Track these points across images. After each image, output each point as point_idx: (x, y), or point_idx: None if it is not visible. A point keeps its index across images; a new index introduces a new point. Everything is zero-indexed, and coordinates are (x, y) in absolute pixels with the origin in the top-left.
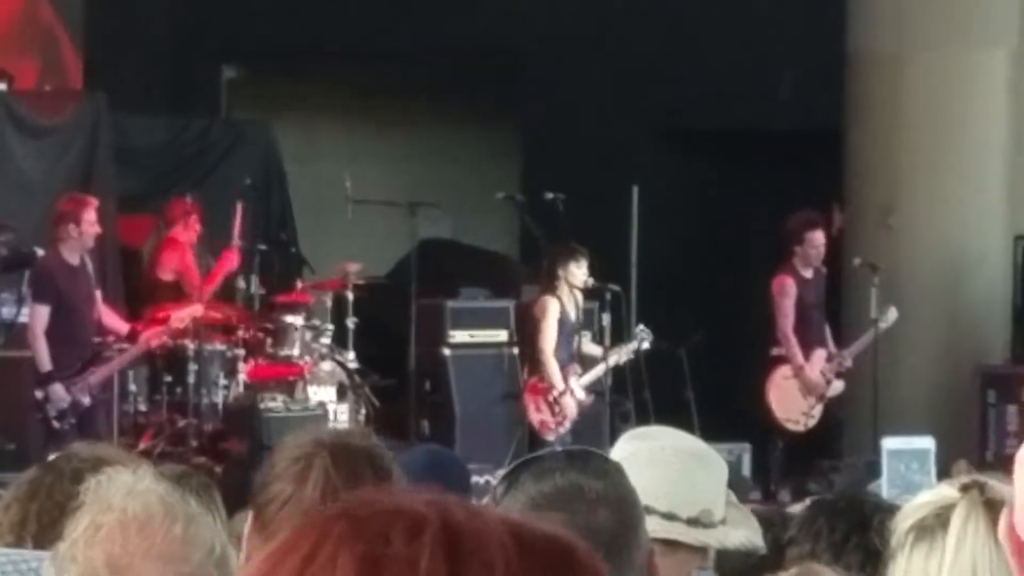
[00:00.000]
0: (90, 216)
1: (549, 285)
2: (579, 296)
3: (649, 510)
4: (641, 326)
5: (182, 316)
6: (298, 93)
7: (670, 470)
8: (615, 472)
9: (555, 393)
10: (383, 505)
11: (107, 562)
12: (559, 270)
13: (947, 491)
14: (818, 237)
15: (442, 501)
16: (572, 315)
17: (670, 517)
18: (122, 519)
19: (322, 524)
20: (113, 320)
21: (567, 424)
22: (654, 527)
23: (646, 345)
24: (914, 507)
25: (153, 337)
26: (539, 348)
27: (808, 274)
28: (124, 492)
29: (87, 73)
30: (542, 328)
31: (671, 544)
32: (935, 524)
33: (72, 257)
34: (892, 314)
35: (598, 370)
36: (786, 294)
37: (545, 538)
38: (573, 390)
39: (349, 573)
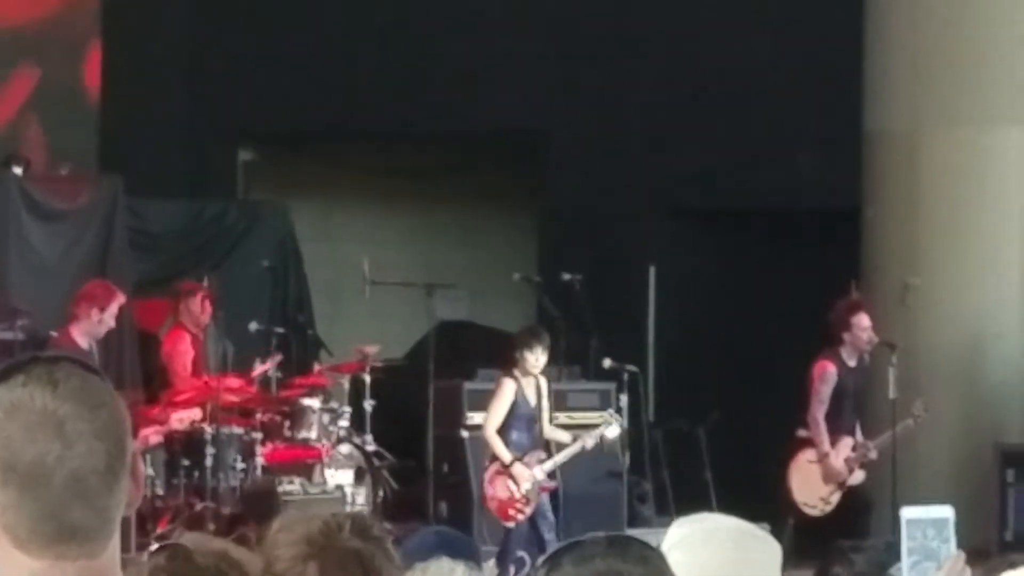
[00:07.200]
0: (114, 309)
1: (508, 367)
2: (542, 381)
3: None
4: (611, 411)
5: (182, 417)
6: (314, 174)
7: (724, 550)
8: (656, 559)
9: (507, 464)
10: None
11: None
12: (516, 353)
13: None
14: (863, 320)
15: None
16: (532, 401)
17: None
18: None
19: None
20: None
21: (528, 509)
22: None
23: (614, 430)
24: None
25: (150, 435)
26: (483, 425)
27: (852, 362)
28: None
29: (103, 156)
30: (489, 407)
31: None
32: None
33: (83, 341)
34: (919, 407)
35: (567, 452)
36: (825, 381)
37: None
38: (534, 473)
39: None
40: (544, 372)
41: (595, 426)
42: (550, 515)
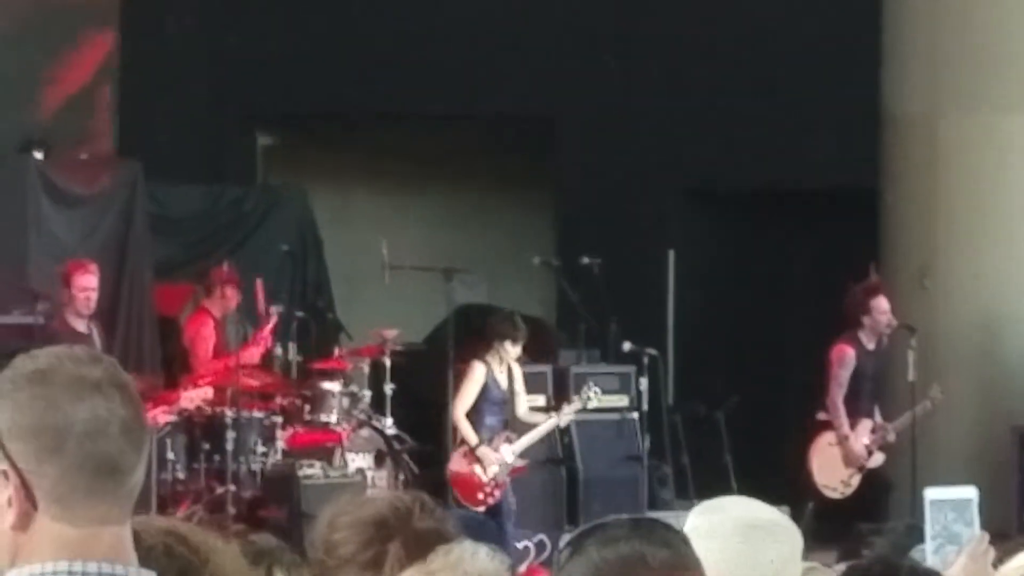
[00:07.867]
0: (82, 281)
1: (480, 351)
2: (515, 366)
3: None
4: (590, 383)
5: (192, 396)
6: (333, 159)
7: (730, 544)
8: (680, 542)
9: (472, 447)
10: None
11: None
12: (495, 341)
13: None
14: (882, 303)
15: None
16: (504, 384)
17: None
18: None
19: None
20: None
21: (499, 493)
22: None
23: (593, 404)
24: (1011, 569)
25: (160, 416)
26: (451, 407)
27: (871, 345)
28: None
29: (122, 141)
30: (459, 390)
31: None
32: None
33: (77, 323)
34: (936, 390)
35: (537, 431)
36: (844, 364)
37: None
38: (502, 455)
39: None
40: (563, 356)
41: (584, 406)
42: (512, 500)
